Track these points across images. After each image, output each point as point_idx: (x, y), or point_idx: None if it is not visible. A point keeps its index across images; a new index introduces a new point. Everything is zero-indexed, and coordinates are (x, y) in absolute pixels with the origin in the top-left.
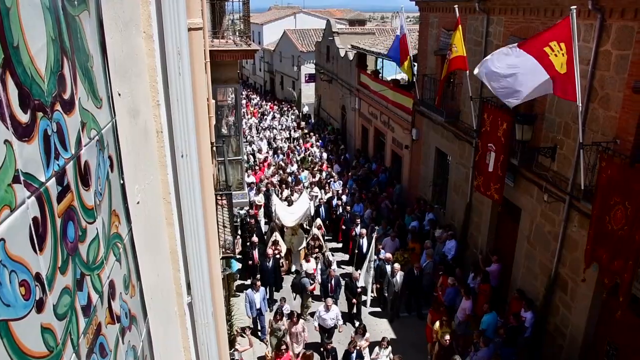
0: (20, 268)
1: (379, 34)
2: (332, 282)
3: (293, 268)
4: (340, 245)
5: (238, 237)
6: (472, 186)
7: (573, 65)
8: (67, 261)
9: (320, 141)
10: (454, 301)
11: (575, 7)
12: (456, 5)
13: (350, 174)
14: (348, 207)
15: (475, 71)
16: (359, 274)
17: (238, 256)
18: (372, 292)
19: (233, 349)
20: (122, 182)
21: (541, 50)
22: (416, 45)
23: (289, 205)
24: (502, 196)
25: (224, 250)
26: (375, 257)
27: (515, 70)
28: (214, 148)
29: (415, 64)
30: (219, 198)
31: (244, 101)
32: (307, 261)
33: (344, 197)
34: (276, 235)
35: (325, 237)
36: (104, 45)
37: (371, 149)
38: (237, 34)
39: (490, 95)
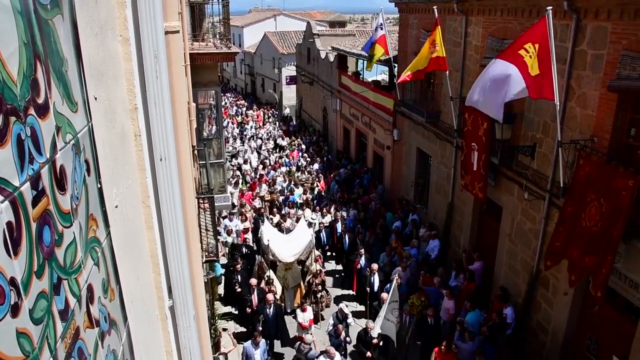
0: None
1: (359, 36)
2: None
3: (288, 309)
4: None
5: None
6: (453, 186)
7: (550, 65)
8: (43, 265)
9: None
10: (437, 302)
11: (551, 7)
12: (435, 6)
13: (332, 175)
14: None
15: (467, 102)
16: (373, 325)
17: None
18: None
19: (218, 353)
20: (99, 186)
21: (516, 54)
22: (396, 47)
23: (281, 232)
24: (486, 194)
25: (207, 253)
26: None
27: (493, 82)
28: (196, 151)
29: (396, 65)
30: (201, 201)
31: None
32: (304, 310)
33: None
34: (269, 274)
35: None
36: (79, 49)
37: (353, 150)
38: (217, 36)
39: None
